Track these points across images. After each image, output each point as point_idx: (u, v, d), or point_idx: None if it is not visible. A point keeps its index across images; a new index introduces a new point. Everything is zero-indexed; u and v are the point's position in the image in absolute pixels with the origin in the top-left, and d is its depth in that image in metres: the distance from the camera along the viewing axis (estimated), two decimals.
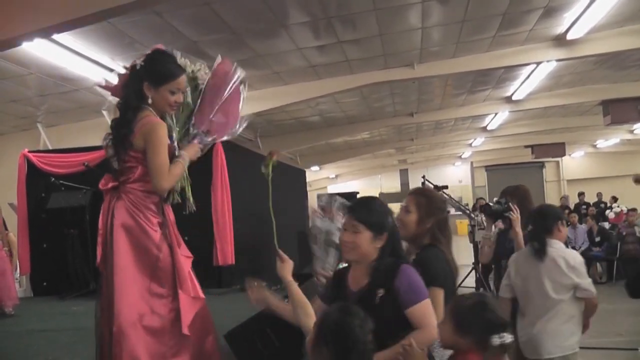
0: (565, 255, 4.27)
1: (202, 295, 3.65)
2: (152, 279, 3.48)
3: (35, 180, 9.66)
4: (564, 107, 18.35)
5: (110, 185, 3.61)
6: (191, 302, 3.55)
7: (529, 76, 13.68)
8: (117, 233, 3.46)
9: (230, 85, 3.82)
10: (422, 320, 2.98)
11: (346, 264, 3.41)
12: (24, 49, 8.00)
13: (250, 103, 11.82)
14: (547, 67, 12.67)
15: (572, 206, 20.74)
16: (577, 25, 10.01)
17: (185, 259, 3.63)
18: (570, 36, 10.57)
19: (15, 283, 8.74)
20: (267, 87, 12.17)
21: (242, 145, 12.22)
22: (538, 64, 12.16)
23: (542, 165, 32.08)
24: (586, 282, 4.20)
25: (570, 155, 29.65)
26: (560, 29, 10.37)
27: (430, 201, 3.60)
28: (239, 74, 3.88)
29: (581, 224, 15.45)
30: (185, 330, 3.47)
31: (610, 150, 29.76)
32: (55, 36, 7.75)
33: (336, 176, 32.50)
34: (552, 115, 20.30)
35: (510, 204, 4.88)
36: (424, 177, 11.03)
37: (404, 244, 3.55)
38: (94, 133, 8.17)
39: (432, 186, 10.43)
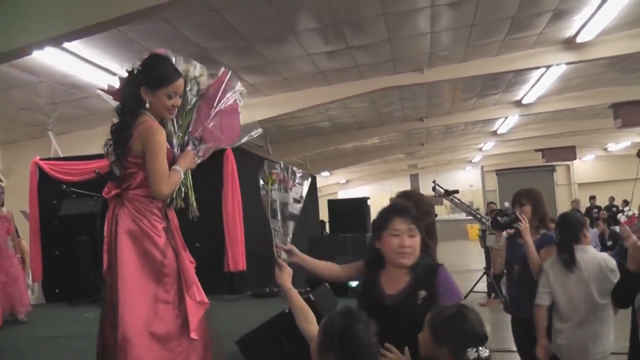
0: (605, 259, 4.40)
1: (206, 300, 3.64)
2: (158, 284, 3.46)
3: (47, 188, 9.70)
4: (574, 111, 18.27)
5: (113, 192, 3.60)
6: (197, 307, 3.55)
7: (538, 80, 13.66)
8: (122, 240, 3.45)
9: (227, 96, 3.80)
10: None
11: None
12: (35, 58, 8.04)
13: (260, 109, 11.95)
14: (557, 71, 12.65)
15: (583, 210, 20.64)
16: (587, 28, 9.99)
17: (189, 264, 3.62)
18: (580, 39, 10.54)
19: (28, 290, 8.77)
20: (277, 93, 12.19)
21: (252, 151, 12.24)
22: (548, 67, 12.14)
23: (552, 168, 32.02)
24: None
25: (580, 158, 29.55)
26: (570, 32, 10.34)
27: (418, 205, 3.49)
28: (238, 87, 3.87)
29: (592, 227, 15.39)
30: (193, 335, 3.46)
31: (621, 153, 29.61)
32: (66, 44, 7.79)
33: (346, 181, 32.51)
34: (563, 119, 20.23)
35: (517, 213, 4.86)
36: (434, 181, 10.99)
37: None
38: (105, 140, 8.21)
39: (442, 191, 10.40)
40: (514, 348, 5.17)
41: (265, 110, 12.04)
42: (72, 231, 8.97)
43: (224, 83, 3.76)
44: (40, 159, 9.98)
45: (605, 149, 29.57)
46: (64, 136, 12.60)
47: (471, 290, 11.24)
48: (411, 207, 3.40)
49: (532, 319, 4.67)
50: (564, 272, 4.44)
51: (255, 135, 4.01)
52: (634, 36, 10.64)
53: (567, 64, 11.75)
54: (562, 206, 27.31)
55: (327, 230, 10.94)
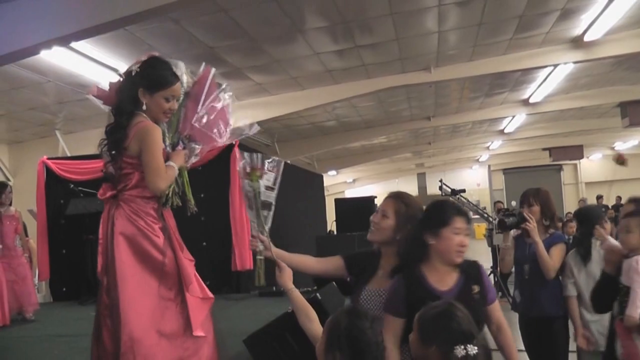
0: None
1: (210, 295, 3.64)
2: (160, 283, 3.46)
3: (54, 187, 9.73)
4: (581, 110, 18.24)
5: (108, 194, 3.60)
6: (200, 303, 3.55)
7: (546, 79, 13.63)
8: (118, 242, 3.44)
9: (213, 94, 3.78)
10: (501, 316, 3.27)
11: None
12: (42, 57, 8.06)
13: (268, 108, 11.97)
14: (565, 70, 12.63)
15: None
16: (594, 27, 9.97)
17: (188, 262, 3.62)
18: (587, 38, 10.52)
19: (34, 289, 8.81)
20: (284, 92, 12.19)
21: (259, 150, 12.25)
22: (555, 66, 12.12)
23: (559, 167, 31.91)
24: None
25: (588, 157, 29.47)
26: (577, 31, 10.32)
27: (409, 209, 3.48)
28: (223, 85, 3.85)
29: None
30: (197, 332, 3.46)
31: (629, 152, 29.54)
32: (73, 44, 7.81)
33: (354, 180, 32.46)
34: (570, 118, 20.19)
35: (524, 213, 4.85)
36: (441, 180, 11.01)
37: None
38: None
39: (449, 190, 10.40)
40: (521, 347, 5.15)
41: (272, 110, 12.06)
42: (79, 230, 9.01)
43: (209, 81, 3.75)
44: (48, 158, 10.01)
45: (613, 148, 29.47)
46: (71, 135, 12.62)
47: None
48: (403, 211, 3.43)
49: (543, 318, 4.71)
50: (583, 265, 4.55)
51: (251, 133, 3.99)
52: None
53: (575, 62, 11.72)
54: (570, 205, 27.24)
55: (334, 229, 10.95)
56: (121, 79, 3.66)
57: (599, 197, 22.59)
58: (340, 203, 11.48)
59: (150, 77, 3.55)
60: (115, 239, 3.46)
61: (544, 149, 25.71)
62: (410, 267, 3.20)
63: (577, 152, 25.05)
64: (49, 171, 9.84)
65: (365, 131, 18.51)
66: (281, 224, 10.22)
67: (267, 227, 3.42)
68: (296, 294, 3.18)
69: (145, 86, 3.51)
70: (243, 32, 8.51)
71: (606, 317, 4.24)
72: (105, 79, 3.74)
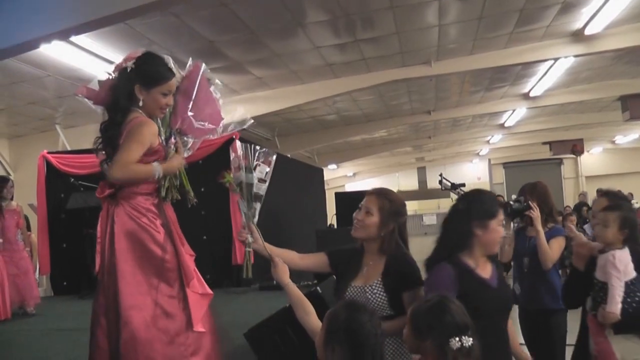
0: None
1: (209, 291, 3.65)
2: (161, 280, 3.45)
3: (55, 181, 9.75)
4: (582, 103, 18.19)
5: (106, 192, 3.58)
6: (200, 299, 3.56)
7: (546, 72, 13.61)
8: (120, 239, 3.44)
9: (204, 89, 3.77)
10: None
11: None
12: (42, 51, 8.07)
13: (268, 102, 11.97)
14: (565, 63, 12.61)
15: (590, 203, 20.55)
16: (595, 20, 9.95)
17: (189, 257, 3.62)
18: (588, 31, 10.50)
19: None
20: (285, 86, 12.17)
21: (259, 144, 12.25)
22: (556, 60, 12.09)
23: (560, 161, 31.85)
24: None
25: (588, 151, 29.42)
26: (578, 25, 10.31)
27: (393, 205, 3.47)
28: (208, 76, 3.83)
29: None
30: (197, 328, 3.47)
31: (629, 146, 29.48)
32: (73, 38, 7.80)
33: (354, 174, 32.43)
34: (570, 112, 20.16)
35: (530, 202, 4.86)
36: (441, 174, 10.94)
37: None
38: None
39: (449, 184, 10.37)
40: (521, 340, 5.16)
41: (272, 103, 12.04)
42: (80, 224, 9.02)
43: (199, 76, 3.75)
44: (48, 153, 10.03)
45: (613, 142, 29.42)
46: (72, 130, 12.62)
47: None
48: (387, 207, 3.45)
49: (542, 311, 4.74)
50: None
51: (245, 126, 3.99)
52: None
53: (575, 56, 11.72)
54: (570, 199, 27.22)
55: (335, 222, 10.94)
56: (111, 77, 3.65)
57: (599, 191, 22.53)
58: (341, 197, 11.46)
59: (146, 73, 3.55)
60: (116, 237, 3.45)
61: (544, 143, 25.68)
62: (453, 257, 3.19)
63: (578, 146, 25.03)
64: (49, 165, 9.85)
65: (366, 125, 18.49)
66: (281, 218, 10.24)
67: (255, 219, 3.43)
68: (292, 288, 3.18)
69: (141, 82, 3.52)
70: (243, 26, 8.50)
71: None
72: (105, 73, 3.73)
